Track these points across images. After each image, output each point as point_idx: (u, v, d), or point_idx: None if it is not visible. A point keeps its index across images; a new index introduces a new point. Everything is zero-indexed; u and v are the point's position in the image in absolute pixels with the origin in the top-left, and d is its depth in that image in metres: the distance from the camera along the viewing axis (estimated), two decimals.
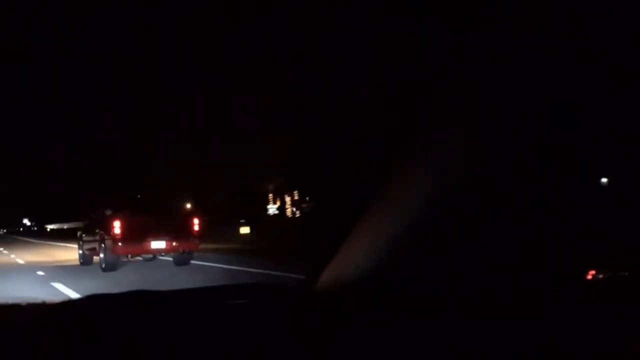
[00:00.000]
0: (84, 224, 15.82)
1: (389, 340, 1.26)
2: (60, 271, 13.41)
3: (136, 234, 12.93)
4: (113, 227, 12.99)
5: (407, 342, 1.24)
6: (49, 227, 48.38)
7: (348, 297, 1.36)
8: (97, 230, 13.94)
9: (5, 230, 65.18)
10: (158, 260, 14.76)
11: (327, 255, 1.43)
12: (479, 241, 1.28)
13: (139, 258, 14.15)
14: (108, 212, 13.56)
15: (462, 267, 1.29)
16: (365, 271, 1.35)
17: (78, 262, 15.40)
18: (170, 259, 14.30)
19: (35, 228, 54.56)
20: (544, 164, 1.22)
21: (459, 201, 1.21)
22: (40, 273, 12.67)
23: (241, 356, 1.22)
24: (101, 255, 13.45)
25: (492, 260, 1.27)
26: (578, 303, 1.25)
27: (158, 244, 13.23)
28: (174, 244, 13.34)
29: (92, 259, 14.73)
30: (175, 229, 13.37)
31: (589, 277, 1.31)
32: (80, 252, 15.62)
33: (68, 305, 1.39)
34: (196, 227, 13.77)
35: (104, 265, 13.06)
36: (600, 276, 1.31)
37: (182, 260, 13.64)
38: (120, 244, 12.92)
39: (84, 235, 15.47)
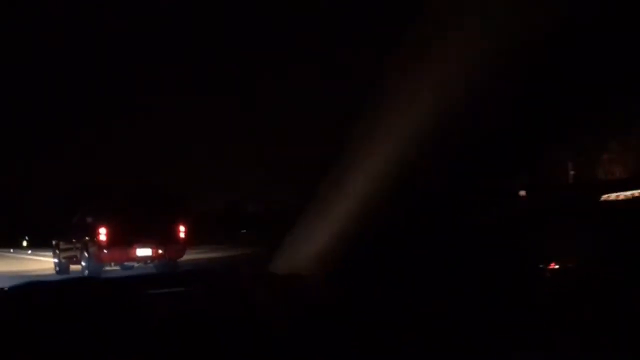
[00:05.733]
0: (61, 231, 15.89)
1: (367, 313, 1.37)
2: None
3: (122, 241, 13.10)
4: (98, 234, 13.21)
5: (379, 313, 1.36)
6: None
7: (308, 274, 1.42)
8: (78, 237, 14.12)
9: None
10: (136, 269, 14.75)
11: (283, 236, 1.51)
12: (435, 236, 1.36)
13: (117, 267, 14.39)
14: (90, 219, 13.81)
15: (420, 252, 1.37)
16: (326, 247, 1.39)
17: (53, 272, 15.50)
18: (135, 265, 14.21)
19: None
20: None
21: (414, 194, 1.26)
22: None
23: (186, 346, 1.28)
24: (83, 263, 13.79)
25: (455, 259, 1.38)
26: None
27: (144, 251, 13.45)
28: (160, 251, 13.53)
29: (69, 267, 15.05)
30: (162, 235, 13.49)
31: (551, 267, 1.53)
32: (56, 260, 15.76)
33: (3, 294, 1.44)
34: (182, 235, 13.93)
35: (86, 274, 13.35)
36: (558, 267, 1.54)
37: (165, 269, 13.67)
38: (105, 251, 13.17)
39: (61, 242, 15.50)
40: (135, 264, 14.26)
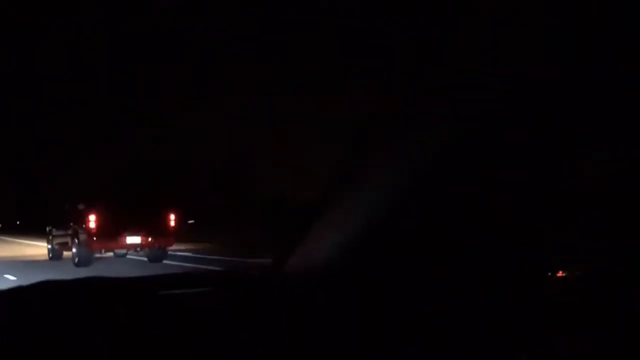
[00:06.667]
0: (54, 218, 16.24)
1: (359, 326, 1.37)
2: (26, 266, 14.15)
3: (111, 229, 13.38)
4: (88, 222, 13.46)
5: (379, 327, 1.36)
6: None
7: (317, 283, 1.44)
8: (69, 225, 14.41)
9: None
10: (129, 256, 15.47)
11: (296, 240, 1.49)
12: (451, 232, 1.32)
13: (111, 253, 14.84)
14: (81, 206, 14.01)
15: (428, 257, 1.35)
16: (336, 256, 1.39)
17: (47, 258, 15.94)
18: (132, 256, 14.83)
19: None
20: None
21: (430, 193, 1.25)
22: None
23: (195, 348, 1.29)
24: (74, 250, 14.04)
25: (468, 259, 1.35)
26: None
27: (133, 239, 13.77)
28: (149, 239, 13.86)
29: (62, 254, 15.35)
30: (151, 224, 13.82)
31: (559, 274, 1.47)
32: (50, 246, 16.12)
33: (18, 292, 1.43)
34: (172, 223, 14.28)
35: (76, 260, 13.70)
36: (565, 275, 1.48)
37: (156, 256, 14.28)
38: (95, 238, 13.41)
39: (54, 229, 15.90)
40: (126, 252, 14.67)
